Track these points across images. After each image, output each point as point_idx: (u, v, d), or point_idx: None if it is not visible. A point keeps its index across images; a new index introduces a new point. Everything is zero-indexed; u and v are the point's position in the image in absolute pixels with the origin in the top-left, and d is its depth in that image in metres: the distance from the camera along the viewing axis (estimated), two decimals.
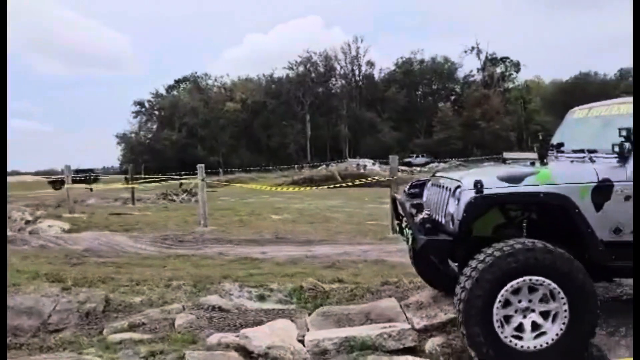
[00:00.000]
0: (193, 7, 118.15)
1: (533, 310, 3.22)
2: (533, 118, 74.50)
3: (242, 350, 3.75)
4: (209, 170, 44.92)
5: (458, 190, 3.49)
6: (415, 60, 74.26)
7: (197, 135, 58.71)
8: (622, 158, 3.44)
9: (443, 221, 3.69)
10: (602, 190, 3.40)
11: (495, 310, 3.16)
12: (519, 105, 73.95)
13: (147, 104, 65.98)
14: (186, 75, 70.44)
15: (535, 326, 3.21)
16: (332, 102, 64.68)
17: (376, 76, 72.35)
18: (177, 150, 55.89)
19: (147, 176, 23.30)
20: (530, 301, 3.21)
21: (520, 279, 3.16)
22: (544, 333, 3.19)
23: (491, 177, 3.50)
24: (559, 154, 4.17)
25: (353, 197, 21.73)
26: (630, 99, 3.85)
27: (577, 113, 4.55)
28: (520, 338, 3.19)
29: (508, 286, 3.17)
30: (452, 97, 75.77)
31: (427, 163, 51.08)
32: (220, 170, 47.31)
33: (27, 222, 13.13)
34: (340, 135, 63.83)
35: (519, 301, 3.20)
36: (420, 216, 3.81)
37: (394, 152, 63.34)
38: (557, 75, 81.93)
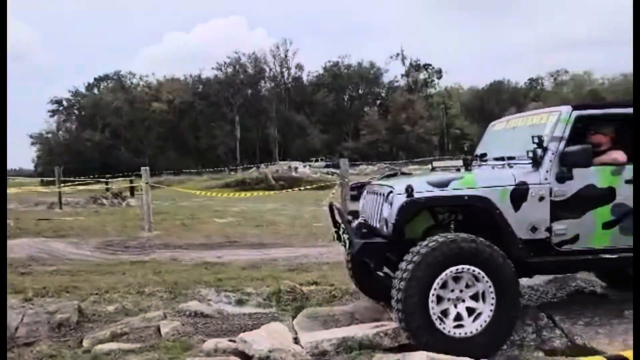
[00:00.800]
0: (107, 3, 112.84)
1: (464, 300, 3.49)
2: (453, 123, 78.12)
3: (240, 355, 3.73)
4: (135, 173, 43.39)
5: (391, 195, 3.75)
6: (342, 65, 75.59)
7: (121, 136, 56.37)
8: (536, 163, 3.77)
9: (378, 226, 3.92)
10: (519, 192, 3.70)
11: (431, 305, 3.38)
12: (441, 110, 77.18)
13: (65, 102, 62.50)
14: (108, 73, 67.50)
15: (470, 311, 3.48)
16: (262, 104, 64.38)
17: (305, 79, 72.94)
18: (99, 152, 53.32)
19: (74, 179, 22.12)
20: (461, 291, 3.48)
21: (448, 270, 3.41)
22: (479, 314, 3.46)
23: (421, 182, 3.78)
24: (482, 163, 4.51)
25: (289, 200, 21.76)
26: (541, 110, 4.32)
27: (497, 125, 4.93)
28: (461, 326, 3.43)
29: (438, 279, 3.40)
30: (378, 102, 77.75)
31: (327, 166, 50.04)
32: (146, 170, 45.55)
33: None
34: (270, 138, 63.69)
35: (452, 290, 3.46)
36: (356, 222, 4.13)
37: (322, 154, 64.14)
38: (474, 83, 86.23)
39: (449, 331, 3.41)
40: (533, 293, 4.96)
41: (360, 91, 78.46)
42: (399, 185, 3.77)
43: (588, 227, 3.77)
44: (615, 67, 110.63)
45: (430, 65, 79.44)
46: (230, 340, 3.91)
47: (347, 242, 3.96)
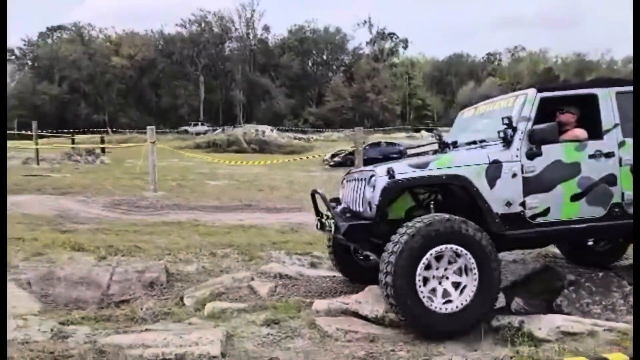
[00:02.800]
0: None
1: (448, 278, 3.66)
2: (416, 93, 79.03)
3: (355, 315, 3.97)
4: (98, 130, 41.98)
5: (373, 178, 3.93)
6: (308, 29, 74.57)
7: (80, 90, 53.93)
8: (507, 142, 4.00)
9: (361, 210, 4.07)
10: (493, 170, 3.92)
11: (418, 285, 3.52)
12: (404, 80, 77.80)
13: (17, 52, 59.04)
14: (62, 24, 64.04)
15: (456, 286, 3.66)
16: (226, 65, 62.94)
17: (270, 42, 71.59)
18: (56, 106, 50.96)
19: (48, 133, 21.18)
20: (445, 269, 3.65)
21: (428, 254, 3.55)
22: (465, 287, 3.64)
23: (401, 165, 3.99)
24: (454, 149, 4.70)
25: (271, 166, 21.67)
26: (507, 95, 4.58)
27: (466, 113, 5.17)
28: (450, 302, 3.60)
29: (421, 263, 3.54)
30: (343, 69, 77.46)
31: (206, 132, 47.16)
32: (109, 130, 44.15)
33: None
34: (235, 100, 62.60)
35: (436, 269, 3.63)
36: (340, 207, 4.37)
37: (287, 119, 63.78)
38: (434, 55, 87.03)
39: (438, 308, 3.56)
40: None
41: (325, 57, 77.84)
42: (380, 168, 3.95)
43: (557, 200, 4.02)
44: (568, 47, 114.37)
45: (394, 34, 79.54)
46: (342, 302, 4.11)
47: (333, 226, 4.07)
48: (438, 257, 3.62)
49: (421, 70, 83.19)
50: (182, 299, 4.44)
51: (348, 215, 4.20)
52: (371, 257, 4.59)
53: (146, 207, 10.20)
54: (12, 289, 4.19)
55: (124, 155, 26.09)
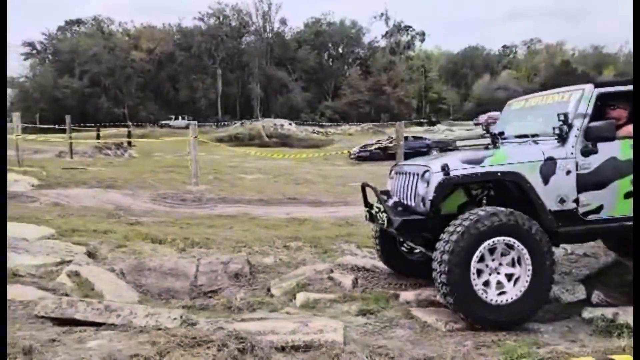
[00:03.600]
0: None
1: (499, 273, 3.71)
2: (432, 86, 78.70)
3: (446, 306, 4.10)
4: (118, 123, 42.25)
5: (427, 174, 3.98)
6: (324, 22, 74.47)
7: (101, 84, 54.46)
8: (562, 139, 4.02)
9: (413, 204, 4.13)
10: (548, 166, 3.95)
11: (472, 277, 3.59)
12: (420, 73, 77.48)
13: (38, 46, 59.68)
14: (80, 18, 64.65)
15: (509, 277, 3.72)
16: (244, 58, 63.11)
17: (287, 35, 71.59)
18: (78, 100, 51.51)
19: (74, 127, 21.60)
20: (500, 264, 3.71)
21: (486, 242, 3.62)
22: (518, 279, 3.70)
23: (455, 160, 4.01)
24: (503, 141, 4.67)
25: (295, 159, 21.83)
26: (561, 89, 4.53)
27: (514, 104, 5.13)
28: (503, 293, 3.68)
29: (478, 252, 3.60)
30: (358, 62, 77.30)
31: (187, 126, 47.63)
32: (130, 123, 44.58)
33: None
34: (252, 93, 62.80)
35: (491, 260, 3.70)
36: (391, 201, 4.40)
37: (304, 113, 63.82)
38: (448, 47, 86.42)
39: (493, 300, 3.62)
40: None
41: (340, 50, 77.72)
42: (434, 164, 3.99)
43: (611, 197, 4.03)
44: (585, 39, 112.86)
45: (411, 27, 79.16)
46: (430, 294, 4.25)
47: (385, 220, 4.14)
48: (491, 250, 3.69)
49: (438, 63, 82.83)
50: (269, 289, 4.61)
51: (399, 209, 4.27)
52: (416, 251, 4.74)
53: (192, 201, 10.39)
54: (112, 278, 4.39)
55: (149, 148, 26.48)
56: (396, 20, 75.30)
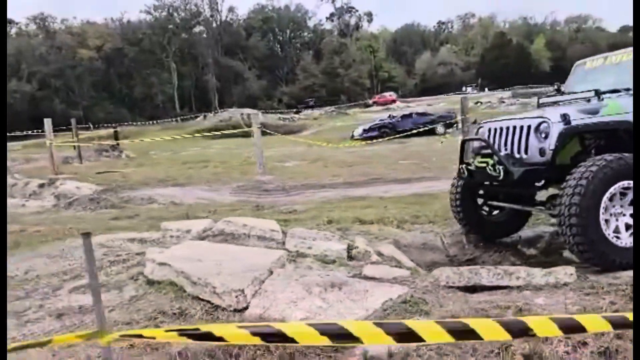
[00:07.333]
0: None
1: (624, 215, 3.76)
2: (382, 66, 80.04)
3: None
4: (77, 126, 40.45)
5: (544, 124, 4.03)
6: (269, 8, 74.04)
7: (51, 86, 51.88)
8: None
9: (525, 156, 4.16)
10: None
11: (602, 217, 3.66)
12: (369, 53, 78.57)
13: None
14: (17, 18, 60.98)
15: (627, 227, 3.76)
16: (197, 49, 61.83)
17: (237, 23, 70.65)
18: (28, 104, 48.92)
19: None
20: (622, 206, 3.78)
21: (617, 185, 3.67)
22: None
23: (573, 111, 4.08)
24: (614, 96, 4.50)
25: (299, 144, 21.66)
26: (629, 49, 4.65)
27: (589, 64, 5.17)
28: (617, 238, 3.72)
29: (608, 193, 3.67)
30: (307, 46, 77.47)
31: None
32: (90, 125, 42.74)
33: (41, 185, 11.55)
34: (209, 85, 61.75)
35: (613, 206, 3.75)
36: (503, 153, 4.35)
37: (261, 100, 63.33)
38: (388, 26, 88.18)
39: (624, 242, 3.68)
40: None
41: (287, 35, 77.53)
42: (552, 115, 4.03)
43: None
44: (514, 11, 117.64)
45: (353, 8, 79.97)
46: None
47: (502, 171, 4.14)
48: (622, 194, 3.73)
49: (385, 43, 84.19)
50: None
51: (513, 160, 4.22)
52: (495, 212, 5.11)
53: (276, 190, 10.45)
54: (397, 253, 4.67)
55: (140, 147, 25.83)
56: (343, 1, 75.83)
